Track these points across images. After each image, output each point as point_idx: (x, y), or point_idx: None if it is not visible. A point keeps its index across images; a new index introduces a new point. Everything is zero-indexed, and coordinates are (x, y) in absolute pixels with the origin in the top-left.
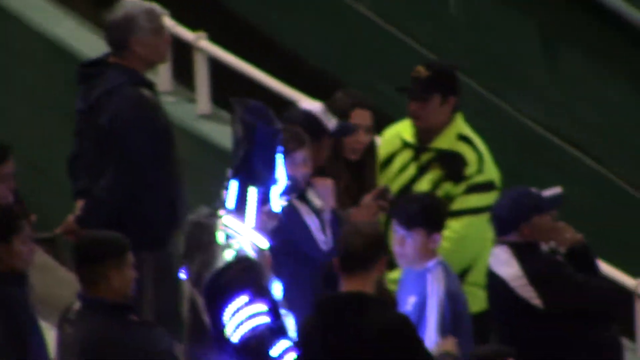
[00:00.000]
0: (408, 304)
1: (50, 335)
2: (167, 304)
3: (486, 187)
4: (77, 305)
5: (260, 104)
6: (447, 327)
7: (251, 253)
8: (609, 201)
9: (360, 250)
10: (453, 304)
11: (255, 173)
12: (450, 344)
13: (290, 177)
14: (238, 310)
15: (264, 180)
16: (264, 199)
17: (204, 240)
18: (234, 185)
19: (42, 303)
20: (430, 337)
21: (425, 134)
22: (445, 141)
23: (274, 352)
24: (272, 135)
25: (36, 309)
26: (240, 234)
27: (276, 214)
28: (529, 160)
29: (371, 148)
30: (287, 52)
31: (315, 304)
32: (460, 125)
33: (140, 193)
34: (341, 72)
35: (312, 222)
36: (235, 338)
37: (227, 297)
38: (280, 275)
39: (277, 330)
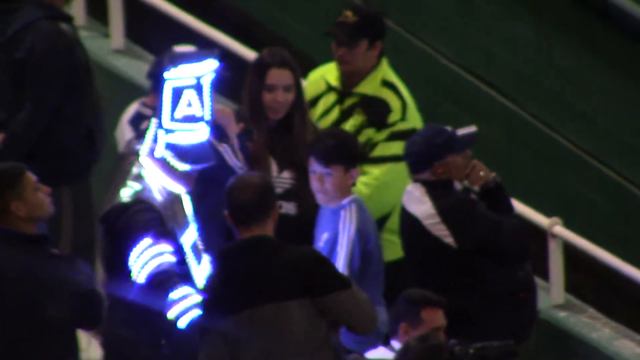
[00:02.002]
0: (321, 241)
1: None
2: (85, 238)
3: (409, 134)
4: None
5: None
6: (355, 265)
7: (158, 196)
8: (522, 141)
9: (251, 203)
10: (363, 242)
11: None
12: None
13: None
14: (143, 252)
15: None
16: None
17: (115, 175)
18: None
19: None
20: None
21: (350, 78)
22: (369, 86)
23: (175, 295)
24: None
25: None
26: (152, 176)
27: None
28: (443, 100)
29: (298, 104)
30: None
31: (218, 256)
32: (385, 71)
33: (57, 126)
34: (257, 10)
35: (224, 150)
36: (141, 278)
37: (129, 239)
38: (197, 217)
39: (181, 273)
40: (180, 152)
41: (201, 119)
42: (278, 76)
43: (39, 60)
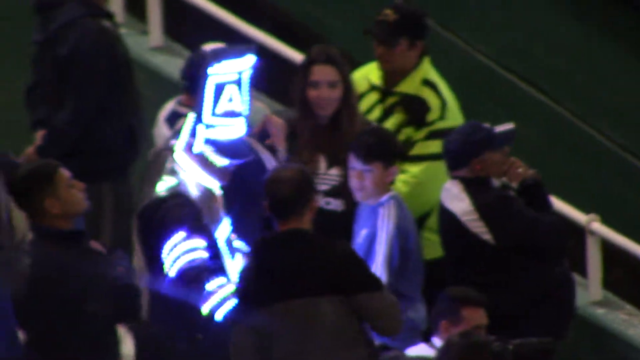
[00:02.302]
0: (360, 237)
1: None
2: (125, 234)
3: (448, 133)
4: (29, 235)
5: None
6: (394, 262)
7: (193, 191)
8: (560, 138)
9: (288, 197)
10: (402, 239)
11: (198, 103)
12: None
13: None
14: (175, 245)
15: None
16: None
17: (151, 171)
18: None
19: None
20: (377, 271)
21: (391, 78)
22: (410, 85)
23: (210, 286)
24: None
25: None
26: (187, 171)
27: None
28: (482, 97)
29: (346, 101)
30: None
31: (253, 248)
32: (426, 70)
33: (99, 123)
34: (294, 6)
35: (266, 158)
36: (172, 272)
37: (164, 232)
38: (230, 211)
39: (215, 267)
40: (220, 147)
41: (240, 114)
42: (322, 72)
43: (82, 58)
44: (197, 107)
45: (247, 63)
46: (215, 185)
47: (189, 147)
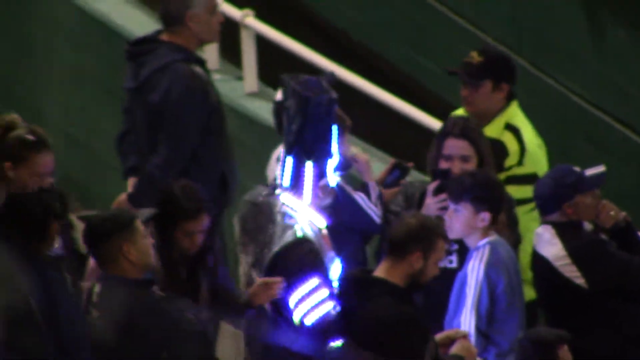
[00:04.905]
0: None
1: None
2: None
3: (526, 179)
4: (97, 287)
5: (313, 78)
6: (483, 306)
7: (310, 232)
8: None
9: (396, 237)
10: (492, 286)
11: (310, 147)
12: (468, 349)
13: (340, 153)
14: (309, 294)
15: (319, 154)
16: (319, 174)
17: (261, 220)
18: (289, 162)
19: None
20: (466, 314)
21: (478, 121)
22: (493, 129)
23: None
24: (326, 106)
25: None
26: (299, 212)
27: (332, 188)
28: (576, 138)
29: None
30: (331, 28)
31: (344, 278)
32: (511, 114)
33: (191, 169)
34: (383, 47)
35: (359, 198)
36: (308, 321)
37: (296, 279)
38: (340, 252)
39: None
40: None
41: None
42: (455, 146)
43: (176, 103)
44: (324, 151)
45: None
46: (323, 224)
47: (317, 195)
